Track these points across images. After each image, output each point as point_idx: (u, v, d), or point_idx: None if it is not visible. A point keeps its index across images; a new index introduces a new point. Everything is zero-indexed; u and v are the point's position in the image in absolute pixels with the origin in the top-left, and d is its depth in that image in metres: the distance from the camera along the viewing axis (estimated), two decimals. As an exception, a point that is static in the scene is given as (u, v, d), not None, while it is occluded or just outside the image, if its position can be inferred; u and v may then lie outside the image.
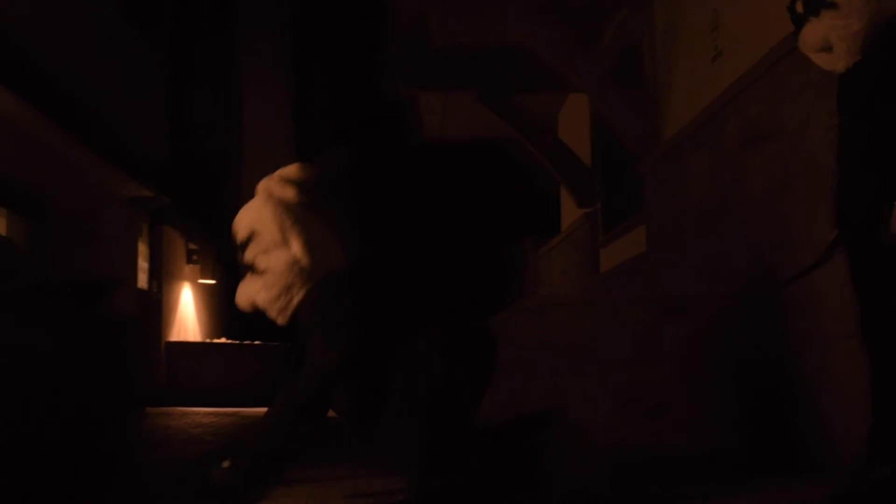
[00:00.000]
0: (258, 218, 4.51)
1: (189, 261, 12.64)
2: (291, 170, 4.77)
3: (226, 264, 13.85)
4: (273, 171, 4.85)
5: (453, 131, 13.69)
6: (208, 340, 12.89)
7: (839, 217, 4.03)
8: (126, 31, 9.07)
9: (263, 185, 4.72)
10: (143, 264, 10.95)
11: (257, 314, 4.65)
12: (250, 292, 4.50)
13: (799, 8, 4.17)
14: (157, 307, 11.30)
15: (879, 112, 3.88)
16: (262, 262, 4.43)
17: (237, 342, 12.45)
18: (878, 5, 3.98)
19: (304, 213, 4.62)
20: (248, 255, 4.45)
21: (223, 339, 12.78)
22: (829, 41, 4.09)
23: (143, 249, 10.97)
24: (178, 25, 10.87)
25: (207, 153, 13.01)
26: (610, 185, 10.65)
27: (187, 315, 12.73)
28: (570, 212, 12.44)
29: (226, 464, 4.23)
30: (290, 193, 4.64)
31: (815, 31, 4.12)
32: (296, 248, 4.41)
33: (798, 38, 4.19)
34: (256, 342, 12.41)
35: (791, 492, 4.41)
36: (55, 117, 6.70)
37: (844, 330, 4.86)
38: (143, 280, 11.00)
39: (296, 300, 4.44)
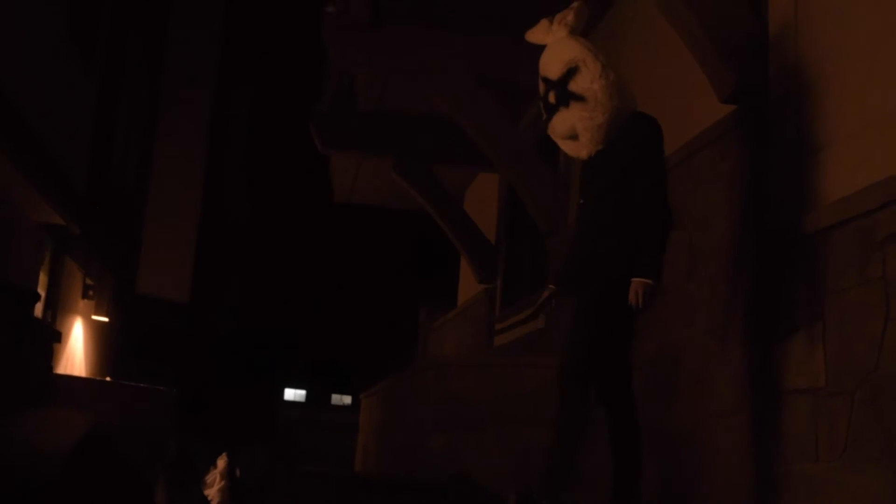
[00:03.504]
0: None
1: (84, 295, 12.52)
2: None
3: (121, 303, 13.76)
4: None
5: (362, 195, 13.93)
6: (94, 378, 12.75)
7: (566, 276, 4.79)
8: (64, 51, 9.07)
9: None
10: (40, 292, 10.86)
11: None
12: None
13: (551, 99, 4.68)
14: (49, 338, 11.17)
15: (616, 194, 4.54)
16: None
17: (122, 382, 12.36)
18: (619, 102, 4.55)
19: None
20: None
21: (108, 379, 12.66)
22: (576, 130, 4.60)
23: (42, 278, 10.89)
24: (111, 56, 10.94)
25: (116, 189, 12.99)
26: (512, 263, 10.96)
27: (76, 350, 12.59)
28: (468, 286, 12.71)
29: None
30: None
31: (564, 121, 4.69)
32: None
33: (548, 125, 4.71)
34: (141, 385, 12.35)
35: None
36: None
37: (731, 405, 5.21)
38: (38, 309, 10.89)
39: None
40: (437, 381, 7.03)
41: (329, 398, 37.84)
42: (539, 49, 4.89)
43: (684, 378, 5.87)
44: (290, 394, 37.91)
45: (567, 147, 4.77)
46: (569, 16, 4.78)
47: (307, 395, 38.40)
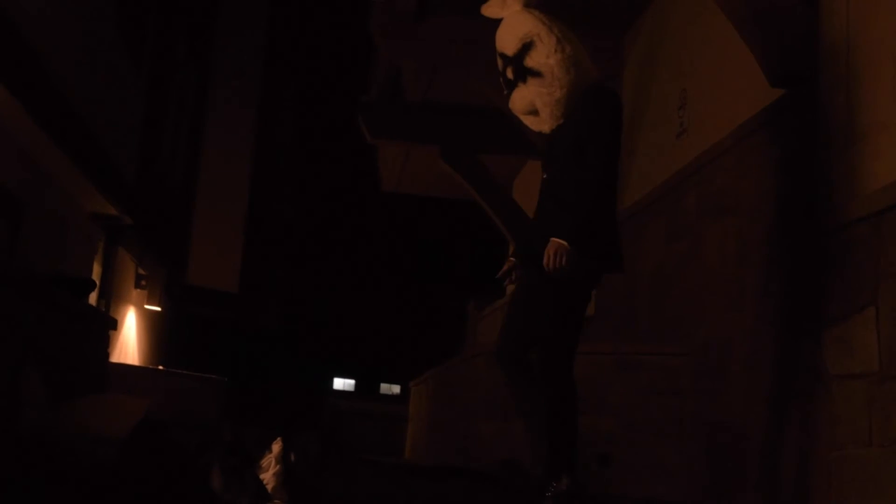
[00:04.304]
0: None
1: (137, 285, 12.67)
2: None
3: (172, 293, 13.91)
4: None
5: (410, 185, 13.98)
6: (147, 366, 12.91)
7: (525, 248, 4.64)
8: (113, 47, 9.17)
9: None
10: (95, 281, 10.99)
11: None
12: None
13: (509, 74, 4.65)
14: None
15: (575, 168, 4.46)
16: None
17: (174, 371, 12.52)
18: (576, 75, 4.51)
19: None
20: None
21: (160, 367, 12.82)
22: (536, 106, 4.57)
23: (95, 268, 11.03)
24: (159, 51, 11.05)
25: (166, 182, 13.13)
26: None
27: (129, 339, 12.76)
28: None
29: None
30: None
31: (523, 97, 4.63)
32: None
33: (509, 101, 4.68)
34: (193, 373, 12.50)
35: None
36: (32, 113, 6.52)
37: (781, 391, 5.19)
38: (91, 298, 11.03)
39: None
40: (487, 368, 7.05)
41: (378, 387, 37.93)
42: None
43: (734, 363, 5.85)
44: (339, 383, 38.06)
45: (529, 122, 4.74)
46: None
47: (356, 385, 38.52)
